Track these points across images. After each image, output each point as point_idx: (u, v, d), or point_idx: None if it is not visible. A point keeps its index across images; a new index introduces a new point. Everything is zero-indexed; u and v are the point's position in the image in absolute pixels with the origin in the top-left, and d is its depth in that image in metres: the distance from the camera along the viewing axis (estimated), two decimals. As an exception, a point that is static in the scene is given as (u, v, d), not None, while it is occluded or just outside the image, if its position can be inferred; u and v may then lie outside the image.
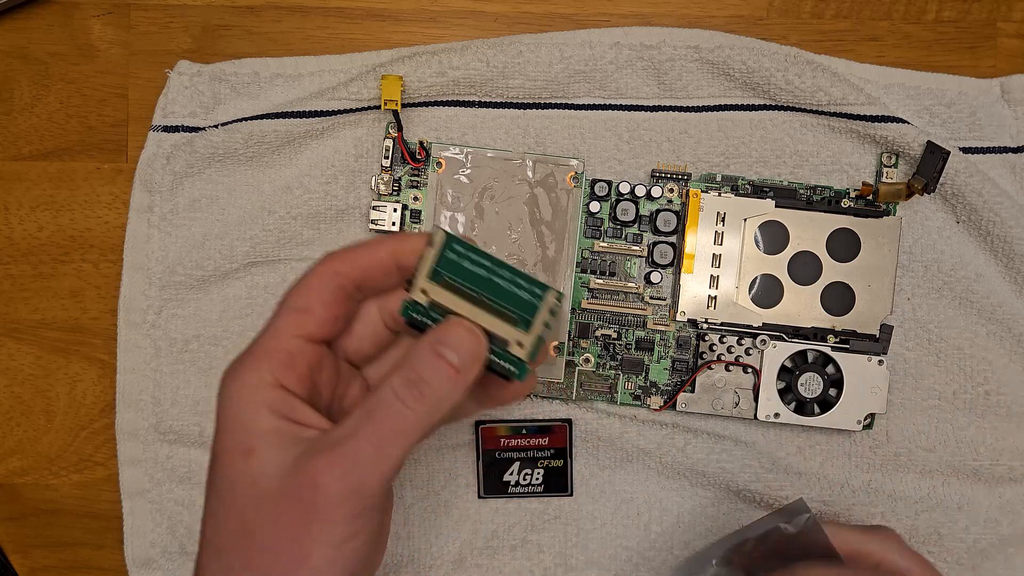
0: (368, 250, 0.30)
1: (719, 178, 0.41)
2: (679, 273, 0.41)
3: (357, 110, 0.41)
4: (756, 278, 0.40)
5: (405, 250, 0.30)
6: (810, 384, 0.40)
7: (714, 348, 0.40)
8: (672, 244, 0.41)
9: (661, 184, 0.41)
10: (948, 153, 0.39)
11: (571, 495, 0.41)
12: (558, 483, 0.41)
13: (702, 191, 0.41)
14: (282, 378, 0.29)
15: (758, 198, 0.41)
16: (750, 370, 0.40)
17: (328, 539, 0.27)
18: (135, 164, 0.41)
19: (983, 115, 0.41)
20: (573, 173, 0.41)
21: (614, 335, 0.41)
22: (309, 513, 0.27)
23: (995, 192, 0.40)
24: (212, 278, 0.41)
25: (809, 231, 0.40)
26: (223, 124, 0.41)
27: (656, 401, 0.41)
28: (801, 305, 0.40)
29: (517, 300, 0.29)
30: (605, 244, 0.41)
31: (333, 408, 0.32)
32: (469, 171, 0.41)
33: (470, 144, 0.41)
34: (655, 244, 0.41)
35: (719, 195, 0.40)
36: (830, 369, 0.40)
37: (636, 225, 0.41)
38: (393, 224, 0.40)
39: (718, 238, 0.40)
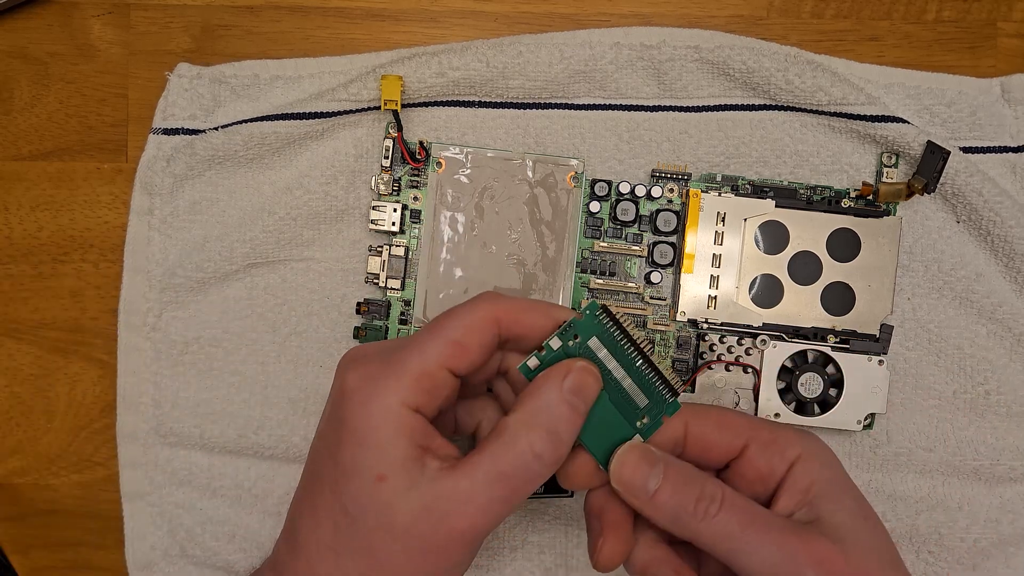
0: (533, 312, 0.31)
1: (719, 178, 0.41)
2: (679, 273, 0.41)
3: (357, 111, 0.41)
4: (756, 278, 0.40)
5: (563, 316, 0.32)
6: (810, 384, 0.40)
7: (714, 348, 0.40)
8: (672, 244, 0.41)
9: (661, 184, 0.41)
10: (948, 153, 0.39)
11: (571, 496, 0.41)
12: (559, 484, 0.41)
13: (702, 191, 0.41)
14: (423, 405, 0.29)
15: (758, 198, 0.41)
16: (750, 370, 0.40)
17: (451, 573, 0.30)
18: (135, 164, 0.41)
19: (983, 115, 0.41)
20: (573, 173, 0.41)
21: (614, 335, 0.41)
22: (438, 554, 0.29)
23: (995, 192, 0.40)
24: (212, 280, 0.41)
25: (809, 231, 0.40)
26: (223, 126, 0.40)
27: (656, 401, 0.41)
28: (801, 305, 0.40)
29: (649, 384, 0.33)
30: (605, 244, 0.41)
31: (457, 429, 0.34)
32: (469, 171, 0.41)
33: (470, 144, 0.41)
34: (655, 244, 0.41)
35: (719, 195, 0.40)
36: (830, 369, 0.40)
37: (636, 225, 0.41)
38: (393, 224, 0.40)
39: (718, 238, 0.40)
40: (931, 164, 0.39)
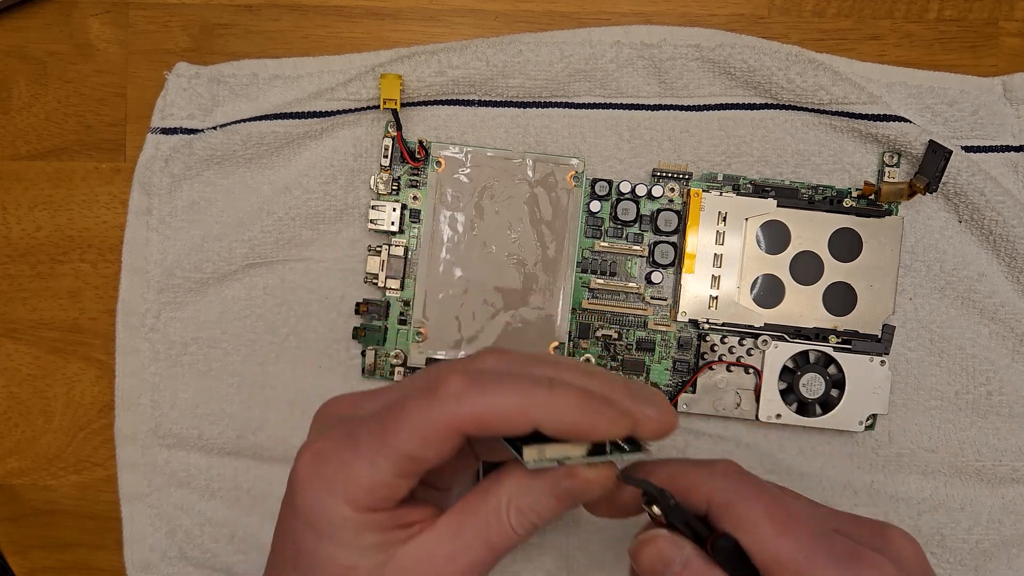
0: (504, 410, 0.26)
1: (720, 177, 0.41)
2: (680, 273, 0.40)
3: (356, 110, 0.40)
4: (757, 278, 0.40)
5: (547, 418, 0.26)
6: (812, 385, 0.40)
7: (715, 348, 0.40)
8: (673, 244, 0.41)
9: (662, 183, 0.41)
10: (950, 152, 0.39)
11: (572, 496, 0.41)
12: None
13: (703, 190, 0.40)
14: (382, 504, 0.27)
15: (759, 197, 0.40)
16: (751, 371, 0.40)
17: None
18: (133, 163, 0.41)
19: (985, 114, 0.41)
20: (573, 172, 0.40)
21: (615, 335, 0.41)
22: None
23: (997, 191, 0.40)
24: (211, 280, 0.41)
25: (811, 231, 0.40)
26: (221, 126, 0.40)
27: (657, 402, 0.41)
28: (803, 305, 0.40)
29: None
30: (606, 244, 0.41)
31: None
32: (469, 170, 0.40)
33: (470, 143, 0.41)
34: (656, 244, 0.41)
35: (720, 194, 0.40)
36: (832, 369, 0.40)
37: (637, 225, 0.41)
38: (392, 224, 0.40)
39: (719, 238, 0.40)
40: (933, 163, 0.39)
